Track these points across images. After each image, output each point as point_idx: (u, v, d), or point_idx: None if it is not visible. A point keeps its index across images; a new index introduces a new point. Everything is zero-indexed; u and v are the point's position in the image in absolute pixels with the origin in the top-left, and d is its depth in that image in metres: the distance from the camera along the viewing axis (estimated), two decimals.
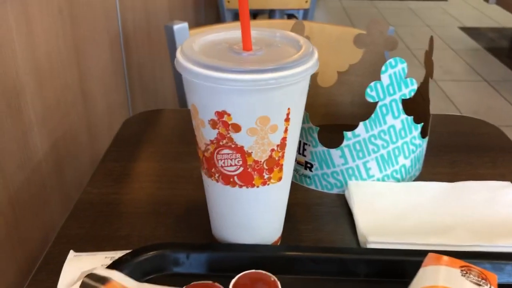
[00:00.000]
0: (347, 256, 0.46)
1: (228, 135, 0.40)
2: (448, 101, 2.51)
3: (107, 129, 0.91)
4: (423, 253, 0.42)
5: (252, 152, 0.41)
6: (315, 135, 0.56)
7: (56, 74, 0.71)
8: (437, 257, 0.40)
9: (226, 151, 0.41)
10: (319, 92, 0.71)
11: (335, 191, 0.58)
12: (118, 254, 0.46)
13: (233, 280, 0.40)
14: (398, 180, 0.58)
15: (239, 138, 0.40)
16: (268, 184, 0.43)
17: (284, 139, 0.42)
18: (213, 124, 0.40)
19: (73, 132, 0.77)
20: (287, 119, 0.41)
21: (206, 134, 0.41)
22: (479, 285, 0.37)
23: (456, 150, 0.68)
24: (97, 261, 0.46)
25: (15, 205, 0.59)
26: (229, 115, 0.39)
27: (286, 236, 0.51)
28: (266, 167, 0.42)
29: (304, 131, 0.57)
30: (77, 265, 0.46)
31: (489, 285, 0.37)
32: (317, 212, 0.56)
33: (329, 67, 0.70)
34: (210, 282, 0.40)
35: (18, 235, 0.60)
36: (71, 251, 0.48)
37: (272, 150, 0.42)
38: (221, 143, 0.41)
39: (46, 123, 0.67)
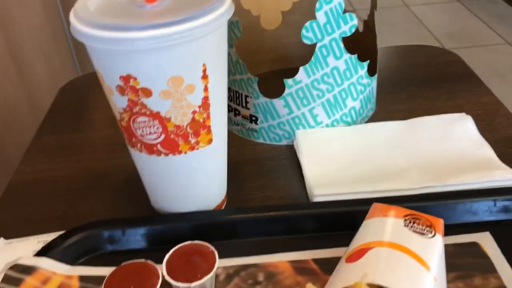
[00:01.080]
0: (291, 213, 0.43)
1: (140, 101, 0.36)
2: (420, 25, 2.45)
3: (53, 98, 0.85)
4: (371, 202, 0.39)
5: (171, 117, 0.37)
6: (255, 86, 0.52)
7: None
8: (381, 208, 0.38)
9: (142, 118, 0.37)
10: (265, 36, 0.66)
11: (284, 142, 0.55)
12: (51, 236, 0.43)
13: (167, 256, 0.38)
14: (349, 124, 0.55)
15: (153, 103, 0.36)
16: (198, 149, 0.40)
17: (205, 98, 0.38)
18: (121, 91, 0.36)
19: (10, 104, 0.72)
20: (204, 76, 0.36)
21: (117, 102, 0.37)
22: (423, 233, 0.35)
23: (413, 84, 0.65)
24: (29, 247, 0.43)
25: None
26: (135, 79, 0.35)
27: (233, 196, 0.48)
28: (191, 131, 0.38)
29: (243, 83, 0.53)
30: (6, 254, 0.43)
31: (433, 233, 0.35)
32: (266, 167, 0.52)
33: (272, 7, 0.64)
34: (143, 260, 0.37)
35: None
36: (1, 239, 0.45)
37: (194, 112, 0.38)
38: (134, 110, 0.37)
39: None
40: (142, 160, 0.41)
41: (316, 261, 0.41)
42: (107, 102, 0.39)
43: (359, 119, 0.55)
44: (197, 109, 0.38)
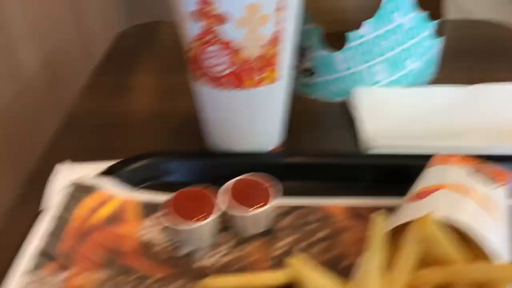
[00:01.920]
0: (348, 160, 0.43)
1: (214, 29, 0.36)
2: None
3: (103, 46, 0.86)
4: (431, 157, 0.39)
5: (241, 48, 0.37)
6: (318, 38, 0.52)
7: None
8: (445, 157, 0.37)
9: (212, 48, 0.37)
10: None
11: (338, 99, 0.54)
12: (109, 164, 0.44)
13: (225, 185, 0.38)
14: (407, 86, 0.54)
15: (226, 32, 0.36)
16: (261, 86, 0.40)
17: (277, 33, 0.38)
18: (196, 16, 0.36)
19: (65, 48, 0.73)
20: (279, 9, 0.36)
21: (189, 30, 0.38)
22: (487, 184, 0.34)
23: (474, 56, 0.63)
24: (88, 172, 0.45)
25: (7, 118, 0.57)
26: (213, 3, 0.35)
27: (286, 145, 0.48)
28: (258, 66, 0.39)
29: (304, 34, 0.52)
30: (65, 177, 0.44)
31: (499, 184, 0.34)
32: (319, 122, 0.52)
33: None
34: (201, 187, 0.38)
35: (13, 150, 0.59)
36: (61, 163, 0.46)
37: (264, 45, 0.38)
38: (206, 38, 0.37)
39: (33, 37, 0.64)
40: (204, 94, 0.41)
41: (371, 208, 0.40)
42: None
43: (418, 82, 0.54)
44: (267, 43, 0.38)
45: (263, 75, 0.39)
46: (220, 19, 0.35)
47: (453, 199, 0.31)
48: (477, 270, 0.27)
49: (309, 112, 0.54)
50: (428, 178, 0.35)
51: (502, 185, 0.34)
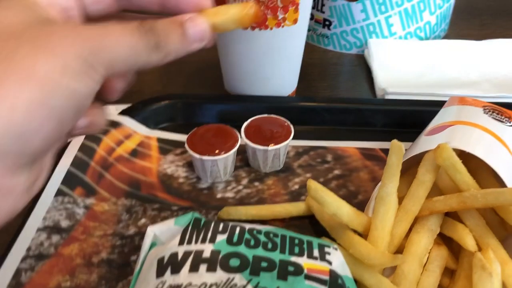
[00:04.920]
0: (363, 106, 0.44)
1: None
2: None
3: None
4: (443, 104, 0.40)
5: None
6: None
7: None
8: (459, 98, 0.38)
9: None
10: None
11: (354, 51, 0.55)
12: (129, 105, 0.45)
13: (247, 122, 0.39)
14: (421, 39, 0.55)
15: None
16: (283, 27, 0.41)
17: None
18: None
19: None
20: None
21: None
22: (502, 121, 0.35)
23: (487, 13, 0.64)
24: (111, 111, 0.46)
25: None
26: None
27: (301, 93, 0.49)
28: (281, 5, 0.39)
29: None
30: None
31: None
32: (334, 72, 0.53)
33: None
34: (222, 124, 0.39)
35: None
36: None
37: None
38: None
39: None
40: (228, 33, 0.42)
41: (384, 150, 0.42)
42: None
43: (432, 36, 0.55)
44: None
45: (286, 15, 0.40)
46: None
47: (467, 132, 0.33)
48: (490, 194, 0.28)
49: (325, 62, 0.55)
50: (444, 115, 0.36)
51: None
